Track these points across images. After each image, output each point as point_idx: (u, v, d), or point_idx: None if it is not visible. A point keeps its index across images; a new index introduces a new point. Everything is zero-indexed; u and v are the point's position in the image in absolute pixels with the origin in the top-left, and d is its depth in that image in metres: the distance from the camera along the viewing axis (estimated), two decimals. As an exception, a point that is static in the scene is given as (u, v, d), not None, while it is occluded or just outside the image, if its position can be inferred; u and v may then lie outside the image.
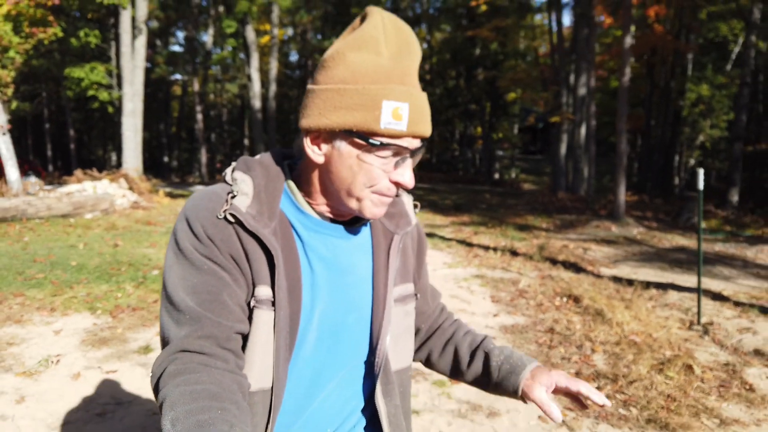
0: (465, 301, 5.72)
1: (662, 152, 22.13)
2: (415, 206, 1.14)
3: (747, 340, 4.70)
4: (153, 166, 30.30)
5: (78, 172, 13.01)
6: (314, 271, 0.98)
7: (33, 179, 13.85)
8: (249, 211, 0.92)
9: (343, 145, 0.92)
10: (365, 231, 1.06)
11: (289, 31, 28.47)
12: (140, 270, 6.04)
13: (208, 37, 25.11)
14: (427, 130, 0.92)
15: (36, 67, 18.20)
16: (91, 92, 13.71)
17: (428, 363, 1.27)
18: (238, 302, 0.90)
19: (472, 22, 23.02)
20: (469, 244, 9.16)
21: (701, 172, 5.12)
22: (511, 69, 23.02)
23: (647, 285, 6.53)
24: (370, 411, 1.07)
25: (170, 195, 14.17)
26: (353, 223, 1.03)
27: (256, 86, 20.24)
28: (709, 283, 6.71)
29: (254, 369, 0.92)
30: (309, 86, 0.95)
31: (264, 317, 0.92)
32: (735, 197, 15.27)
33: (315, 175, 0.98)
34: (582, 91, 14.93)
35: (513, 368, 1.11)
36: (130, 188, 12.39)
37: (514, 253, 8.35)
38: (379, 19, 0.92)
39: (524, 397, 1.08)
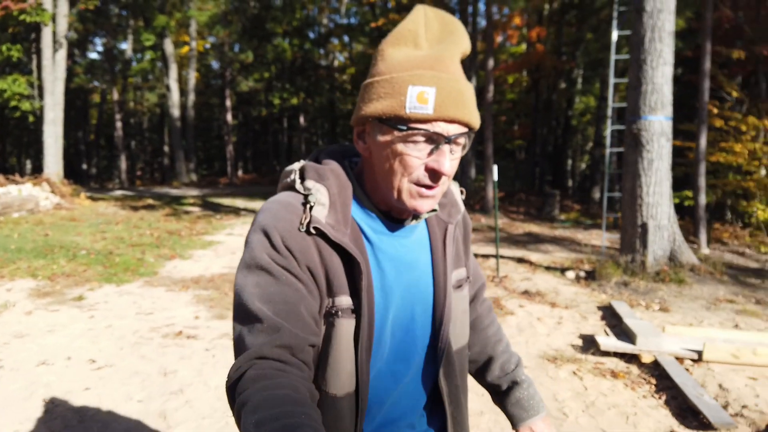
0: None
1: (547, 157, 24.82)
2: (462, 192, 1.17)
3: (522, 285, 6.68)
4: (71, 174, 30.32)
5: (0, 177, 13.83)
6: (385, 273, 1.00)
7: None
8: (328, 221, 0.94)
9: (377, 135, 0.94)
10: (422, 224, 1.08)
11: (212, 39, 29.48)
12: (71, 250, 7.39)
13: (127, 46, 25.78)
14: (460, 114, 0.90)
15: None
16: (13, 103, 14.54)
17: None
18: (313, 315, 0.92)
19: (382, 38, 24.95)
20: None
21: (495, 167, 7.07)
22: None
23: (481, 256, 8.50)
24: (435, 392, 1.12)
25: (91, 198, 15.11)
26: (413, 220, 1.05)
27: (174, 96, 21.31)
28: (530, 255, 8.77)
29: (340, 375, 0.96)
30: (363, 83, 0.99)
31: (345, 326, 0.95)
32: (597, 194, 17.90)
33: (368, 171, 1.00)
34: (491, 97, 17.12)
35: (527, 409, 1.22)
36: (53, 191, 13.34)
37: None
38: (421, 14, 0.96)
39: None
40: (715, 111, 11.36)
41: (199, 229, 10.23)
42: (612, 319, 5.34)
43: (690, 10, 15.26)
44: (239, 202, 15.58)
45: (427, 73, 0.89)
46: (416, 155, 0.91)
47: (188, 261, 7.52)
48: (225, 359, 4.11)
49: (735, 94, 12.22)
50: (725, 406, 3.69)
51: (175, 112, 21.28)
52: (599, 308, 5.74)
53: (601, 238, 9.37)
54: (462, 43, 0.94)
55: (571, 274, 7.11)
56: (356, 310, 0.95)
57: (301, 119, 27.17)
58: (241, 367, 0.84)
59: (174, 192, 18.22)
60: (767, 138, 11.87)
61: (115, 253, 7.55)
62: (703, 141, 10.39)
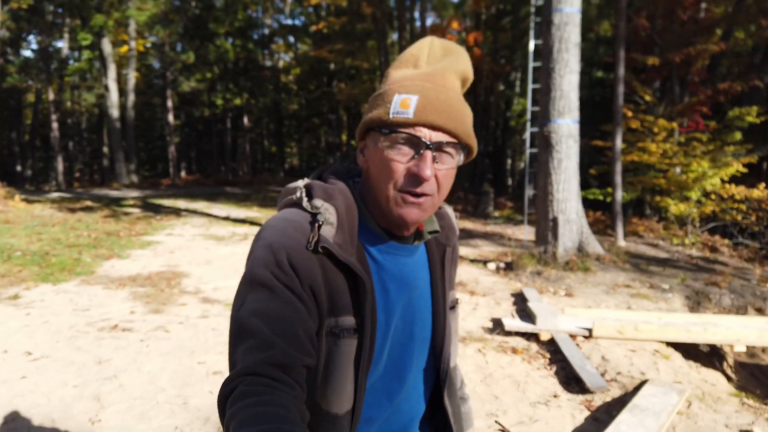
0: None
1: (488, 157, 25.70)
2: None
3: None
4: (5, 176, 29.27)
5: (-72, 180, 13.41)
6: (388, 292, 1.02)
7: None
8: (336, 241, 0.94)
9: (371, 144, 0.99)
10: (422, 246, 1.11)
11: (153, 38, 28.96)
12: (5, 252, 7.42)
13: (63, 44, 25.09)
14: (442, 121, 0.92)
15: None
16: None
17: None
18: (310, 336, 0.91)
19: (324, 40, 25.31)
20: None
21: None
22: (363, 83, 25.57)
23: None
24: (433, 411, 1.15)
25: (26, 200, 14.83)
26: (415, 240, 1.07)
27: (113, 96, 20.98)
28: (464, 251, 9.30)
29: (341, 394, 0.98)
30: None
31: (347, 346, 0.96)
32: (531, 191, 18.75)
33: (367, 185, 1.03)
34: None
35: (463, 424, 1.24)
36: (-15, 194, 13.07)
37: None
38: (427, 42, 1.02)
39: None
40: (630, 114, 12.24)
41: (139, 230, 10.32)
42: (521, 304, 5.89)
43: (605, 21, 16.22)
44: (181, 203, 15.58)
45: (414, 83, 0.94)
46: (398, 159, 0.94)
47: (126, 260, 7.67)
48: (159, 348, 4.39)
49: (648, 98, 13.18)
50: (603, 374, 4.25)
51: (114, 112, 20.96)
52: (512, 295, 6.29)
53: (525, 233, 10.03)
54: (459, 63, 0.98)
55: (492, 266, 7.66)
56: (359, 330, 0.96)
57: (245, 120, 27.15)
58: (233, 382, 0.83)
59: (114, 194, 17.99)
60: (679, 138, 12.86)
61: (52, 254, 7.63)
62: (618, 141, 11.21)
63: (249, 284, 0.91)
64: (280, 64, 32.50)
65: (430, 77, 0.95)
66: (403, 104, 0.92)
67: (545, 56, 7.18)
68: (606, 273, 7.05)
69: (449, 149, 0.95)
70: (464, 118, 0.96)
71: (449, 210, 1.18)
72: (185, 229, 10.70)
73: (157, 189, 20.88)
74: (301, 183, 1.04)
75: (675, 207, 12.44)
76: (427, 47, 1.01)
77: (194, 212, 13.65)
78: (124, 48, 24.22)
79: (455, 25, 20.82)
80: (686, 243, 11.81)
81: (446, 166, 0.96)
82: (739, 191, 12.73)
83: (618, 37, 11.10)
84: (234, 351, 0.89)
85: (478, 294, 6.32)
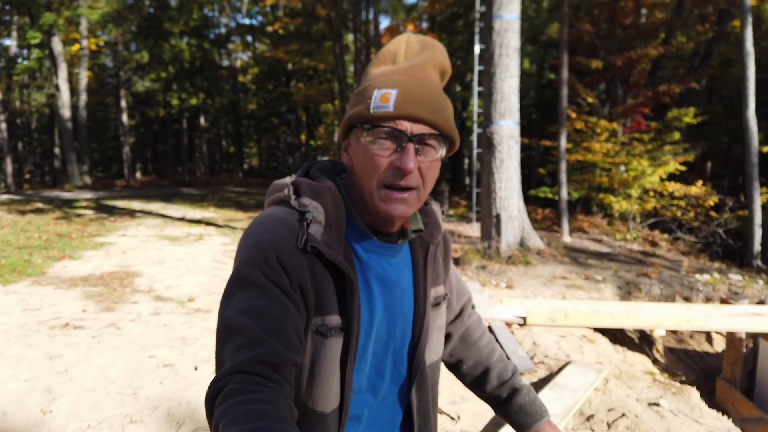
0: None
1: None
2: (442, 212, 1.19)
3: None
4: (-51, 178, 28.25)
5: None
6: (372, 291, 1.02)
7: None
8: (324, 239, 0.94)
9: (353, 140, 1.00)
10: (406, 244, 1.10)
11: (106, 37, 28.32)
12: (-48, 255, 7.36)
13: (12, 42, 24.40)
14: (422, 112, 0.93)
15: None
16: None
17: (454, 368, 1.34)
18: (298, 334, 0.91)
19: (281, 40, 25.31)
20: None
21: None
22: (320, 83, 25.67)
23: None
24: (406, 405, 1.15)
25: (-27, 203, 14.48)
26: (399, 239, 1.07)
27: (65, 96, 20.55)
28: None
29: (328, 393, 0.98)
30: None
31: (334, 344, 0.96)
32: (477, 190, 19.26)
33: (352, 182, 1.03)
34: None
35: (531, 414, 1.23)
36: (-71, 196, 12.74)
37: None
38: (404, 38, 1.03)
39: None
40: (574, 115, 12.79)
41: (91, 231, 10.28)
42: (464, 296, 6.21)
43: (555, 24, 16.80)
44: (135, 204, 15.46)
45: (392, 78, 0.96)
46: (382, 154, 0.95)
47: (78, 261, 7.69)
48: (110, 344, 4.53)
49: (590, 99, 13.78)
50: (533, 357, 4.60)
51: (66, 112, 20.54)
52: (457, 288, 6.60)
53: (474, 230, 10.40)
54: (436, 57, 0.99)
55: (440, 261, 7.98)
56: (344, 329, 0.97)
57: (202, 120, 26.93)
58: (221, 380, 0.82)
59: (66, 195, 17.65)
60: (621, 138, 13.50)
61: (1, 256, 7.59)
62: (563, 142, 11.73)
63: (237, 282, 0.91)
64: (238, 63, 32.32)
65: (409, 71, 0.97)
66: (382, 98, 0.94)
67: (487, 60, 7.54)
68: (545, 266, 7.46)
69: (431, 141, 0.96)
70: (445, 109, 0.97)
71: (435, 207, 1.17)
72: (139, 230, 10.70)
73: (111, 190, 20.56)
74: (288, 180, 1.04)
75: (617, 204, 13.06)
76: (404, 43, 1.02)
77: (149, 213, 13.59)
78: (76, 47, 23.72)
79: (411, 26, 21.17)
80: (628, 238, 12.42)
81: (429, 158, 0.97)
82: (677, 188, 13.45)
83: (562, 42, 11.61)
84: (222, 349, 0.87)
85: (425, 288, 6.61)
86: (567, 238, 11.34)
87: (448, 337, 1.30)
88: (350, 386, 0.99)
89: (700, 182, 13.88)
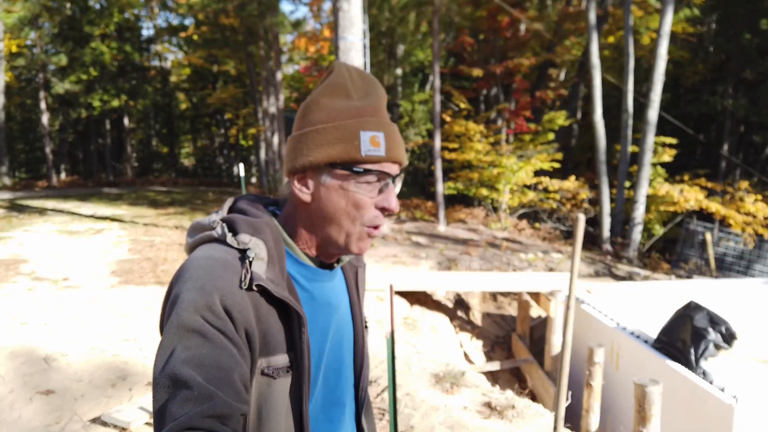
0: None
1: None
2: None
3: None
4: None
5: None
6: (318, 320, 1.02)
7: None
8: (269, 277, 0.93)
9: (328, 180, 0.98)
10: (339, 269, 1.12)
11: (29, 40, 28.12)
12: None
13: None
14: (401, 155, 0.99)
15: None
16: None
17: None
18: (245, 383, 0.88)
19: (198, 46, 25.78)
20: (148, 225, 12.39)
21: (241, 165, 9.02)
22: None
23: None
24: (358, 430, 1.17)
25: None
26: (336, 264, 1.08)
27: (-19, 98, 20.79)
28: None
29: None
30: (291, 135, 1.02)
31: (282, 384, 0.95)
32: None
33: (303, 217, 1.02)
34: (272, 109, 19.01)
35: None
36: None
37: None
38: (344, 69, 1.02)
39: None
40: (448, 119, 14.35)
41: (-4, 228, 11.06)
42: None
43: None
44: (50, 204, 16.09)
45: (373, 120, 0.98)
46: (369, 195, 0.97)
47: (-25, 253, 8.58)
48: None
49: (462, 105, 15.39)
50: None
51: (-17, 115, 20.80)
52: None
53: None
54: (384, 95, 1.04)
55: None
56: (293, 365, 0.95)
57: (126, 121, 27.38)
58: None
59: (-18, 196, 18.04)
60: (494, 138, 15.16)
61: None
62: (437, 142, 13.25)
63: (179, 331, 0.85)
64: (169, 64, 32.69)
65: (378, 112, 1.00)
66: (373, 142, 0.95)
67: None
68: (385, 248, 8.87)
69: (398, 179, 1.02)
70: None
71: None
72: (44, 226, 11.53)
73: (30, 191, 20.93)
74: (216, 217, 1.01)
75: (489, 197, 14.72)
76: (347, 75, 1.02)
77: (60, 211, 14.32)
78: (-7, 48, 23.76)
79: (302, 43, 22.21)
80: (499, 227, 14.08)
81: (396, 191, 1.02)
82: (551, 184, 15.22)
83: (434, 55, 13.12)
84: (166, 403, 0.82)
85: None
86: (442, 228, 12.84)
87: None
88: (307, 422, 0.98)
89: (572, 177, 15.73)
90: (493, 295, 8.80)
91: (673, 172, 16.45)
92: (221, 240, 0.96)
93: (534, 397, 6.92)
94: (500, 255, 9.35)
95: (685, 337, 5.39)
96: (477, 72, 15.72)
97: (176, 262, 7.99)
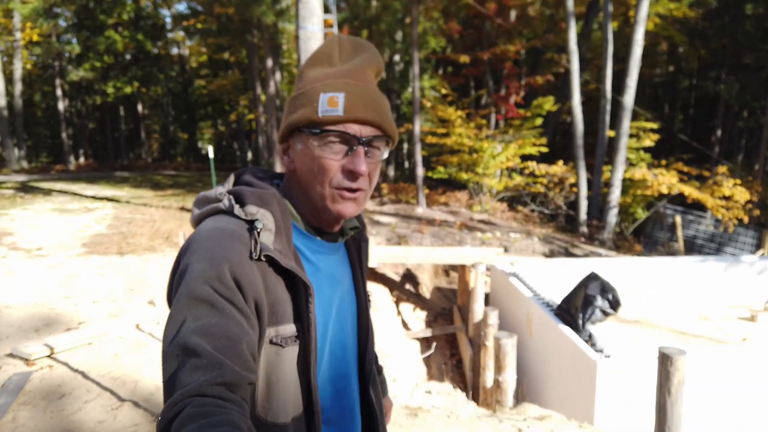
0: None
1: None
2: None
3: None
4: None
5: None
6: (323, 292, 1.03)
7: None
8: (276, 247, 0.94)
9: (297, 144, 1.00)
10: (342, 243, 1.13)
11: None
12: None
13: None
14: (370, 115, 0.96)
15: None
16: None
17: None
18: (252, 352, 0.88)
19: (202, 34, 26.41)
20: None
21: (210, 147, 9.62)
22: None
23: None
24: (367, 405, 1.20)
25: None
26: (340, 237, 1.10)
27: (0, 85, 21.87)
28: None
29: (287, 403, 0.97)
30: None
31: (290, 354, 0.96)
32: (391, 173, 21.22)
33: (295, 186, 1.04)
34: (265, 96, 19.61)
35: (384, 390, 1.39)
36: None
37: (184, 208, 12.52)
38: (336, 39, 1.05)
39: None
40: (428, 104, 14.74)
41: (-2, 206, 11.94)
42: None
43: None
44: (59, 185, 17.01)
45: (337, 81, 0.98)
46: (332, 158, 0.98)
47: (-30, 227, 9.40)
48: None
49: (444, 91, 15.75)
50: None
51: (1, 101, 21.85)
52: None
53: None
54: (373, 59, 1.03)
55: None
56: (300, 336, 0.97)
57: (140, 107, 28.40)
58: (178, 404, 0.79)
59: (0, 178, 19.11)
60: (480, 122, 15.51)
61: None
62: (417, 127, 13.68)
63: (188, 301, 0.86)
64: (187, 51, 33.50)
65: (350, 74, 1.00)
66: (330, 102, 0.96)
67: (299, 64, 9.41)
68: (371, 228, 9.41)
69: (377, 143, 1.01)
70: (386, 110, 1.02)
71: None
72: (43, 205, 12.35)
73: (45, 174, 22.01)
74: (222, 189, 1.03)
75: (469, 180, 15.10)
76: (337, 45, 1.05)
77: (65, 192, 15.19)
78: (11, 38, 24.88)
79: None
80: (480, 210, 14.48)
81: (375, 159, 1.02)
82: (539, 168, 15.52)
83: (412, 43, 13.52)
84: (175, 372, 0.83)
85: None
86: (420, 210, 13.30)
87: None
88: (316, 392, 0.99)
89: (560, 162, 16.00)
90: (446, 270, 9.29)
91: (664, 157, 16.57)
92: (229, 212, 0.98)
93: (460, 361, 7.45)
94: (454, 233, 9.81)
95: (577, 304, 5.84)
96: (464, 58, 16.05)
97: (143, 237, 8.69)
